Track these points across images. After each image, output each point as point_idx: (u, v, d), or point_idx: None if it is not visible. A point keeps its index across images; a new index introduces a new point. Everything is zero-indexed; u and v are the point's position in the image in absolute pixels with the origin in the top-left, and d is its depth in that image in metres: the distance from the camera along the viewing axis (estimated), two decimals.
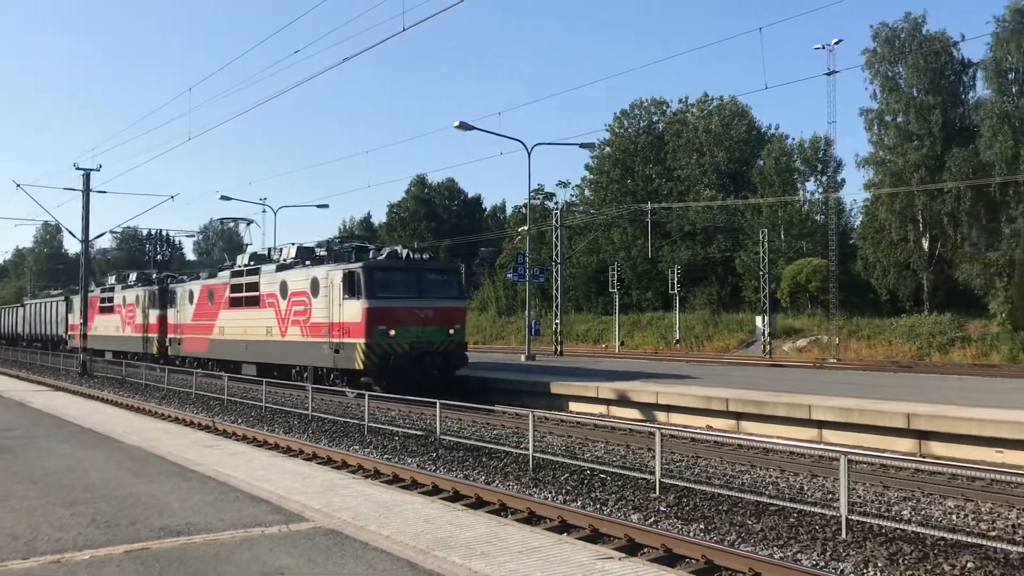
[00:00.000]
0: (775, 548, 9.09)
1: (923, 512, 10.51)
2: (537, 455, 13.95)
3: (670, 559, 8.52)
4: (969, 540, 8.73)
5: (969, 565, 8.25)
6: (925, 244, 49.44)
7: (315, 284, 25.42)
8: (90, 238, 39.23)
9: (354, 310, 23.45)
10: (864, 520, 9.55)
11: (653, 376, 25.20)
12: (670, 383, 22.41)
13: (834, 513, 9.69)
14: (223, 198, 49.97)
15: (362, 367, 23.06)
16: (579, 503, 11.40)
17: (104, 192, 64.65)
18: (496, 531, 7.81)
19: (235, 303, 30.72)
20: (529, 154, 37.08)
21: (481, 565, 6.52)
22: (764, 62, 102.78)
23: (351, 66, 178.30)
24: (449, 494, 11.73)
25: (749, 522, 10.11)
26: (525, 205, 42.55)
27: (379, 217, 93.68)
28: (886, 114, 51.48)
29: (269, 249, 31.92)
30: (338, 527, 7.77)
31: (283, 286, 27.35)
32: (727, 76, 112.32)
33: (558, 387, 22.69)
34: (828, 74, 42.68)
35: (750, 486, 12.13)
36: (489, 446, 15.64)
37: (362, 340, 23.00)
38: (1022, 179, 43.67)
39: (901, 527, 9.38)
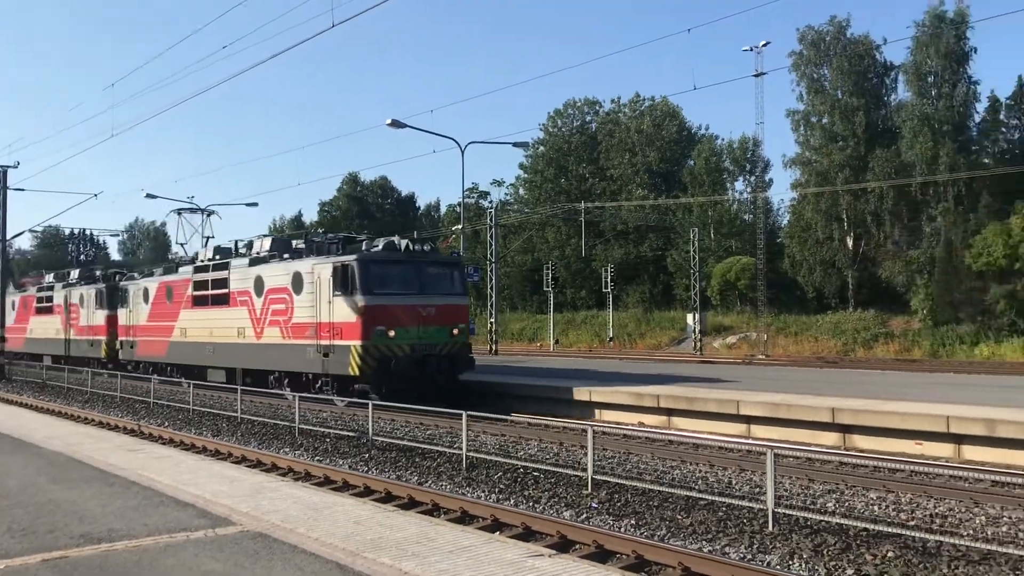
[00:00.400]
0: (704, 542, 9.22)
1: (847, 504, 10.77)
2: (471, 454, 13.93)
3: (601, 555, 8.57)
4: (890, 530, 8.97)
5: (889, 554, 8.48)
6: (849, 242, 50.74)
7: (298, 279, 22.80)
8: (8, 237, 37.84)
9: (348, 309, 20.95)
10: (790, 513, 9.76)
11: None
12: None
13: (761, 506, 9.87)
14: (148, 196, 48.65)
15: (357, 372, 20.59)
16: (512, 501, 11.40)
17: (22, 190, 62.40)
18: (427, 531, 7.78)
19: (199, 301, 27.80)
20: (463, 152, 37.13)
21: (411, 565, 6.47)
22: (693, 63, 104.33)
23: (280, 62, 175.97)
24: (381, 495, 11.63)
25: (679, 517, 10.24)
26: (459, 204, 42.47)
27: (310, 216, 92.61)
28: (812, 115, 52.75)
29: (236, 242, 29.22)
30: (266, 530, 7.64)
31: (258, 282, 24.60)
32: (658, 77, 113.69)
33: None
34: (756, 75, 43.65)
35: (680, 481, 12.28)
36: (423, 446, 15.56)
37: (358, 342, 20.53)
38: (941, 179, 45.14)
39: (826, 519, 9.59)
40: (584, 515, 10.55)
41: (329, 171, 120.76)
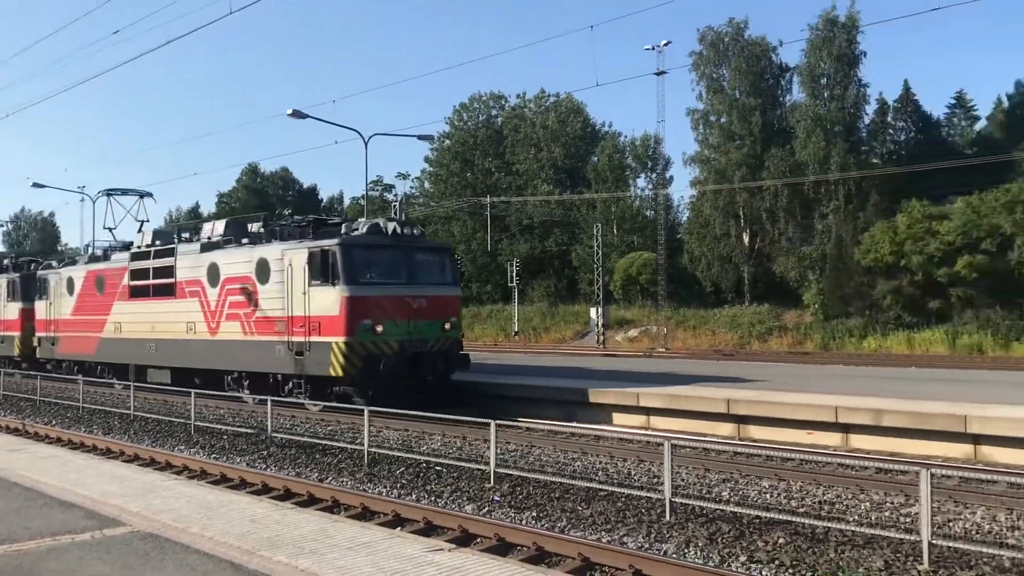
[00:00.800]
0: (603, 532, 9.35)
1: (741, 492, 11.06)
2: (373, 450, 13.80)
3: (502, 548, 8.61)
4: (781, 517, 9.26)
5: (780, 541, 8.75)
6: (746, 239, 52.14)
7: (263, 267, 20.06)
8: None
9: (328, 300, 18.37)
10: (687, 502, 9.98)
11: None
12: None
13: (659, 496, 10.06)
14: (35, 185, 46.75)
15: (340, 373, 18.13)
16: (414, 496, 11.36)
17: None
18: (326, 528, 7.67)
19: (138, 292, 24.60)
20: (366, 144, 36.57)
21: (308, 563, 6.37)
22: (596, 60, 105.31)
23: (176, 48, 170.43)
24: (280, 492, 11.44)
25: (580, 508, 10.35)
26: (363, 196, 41.95)
27: (208, 207, 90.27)
28: (711, 114, 53.93)
29: (178, 226, 26.15)
30: (158, 530, 7.42)
31: (213, 270, 21.69)
32: (562, 72, 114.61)
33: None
34: (658, 74, 44.27)
35: (581, 473, 12.42)
36: (324, 442, 15.35)
37: (340, 339, 18.08)
38: (833, 179, 46.81)
39: (720, 507, 9.85)
40: (486, 508, 10.58)
41: (228, 161, 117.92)
